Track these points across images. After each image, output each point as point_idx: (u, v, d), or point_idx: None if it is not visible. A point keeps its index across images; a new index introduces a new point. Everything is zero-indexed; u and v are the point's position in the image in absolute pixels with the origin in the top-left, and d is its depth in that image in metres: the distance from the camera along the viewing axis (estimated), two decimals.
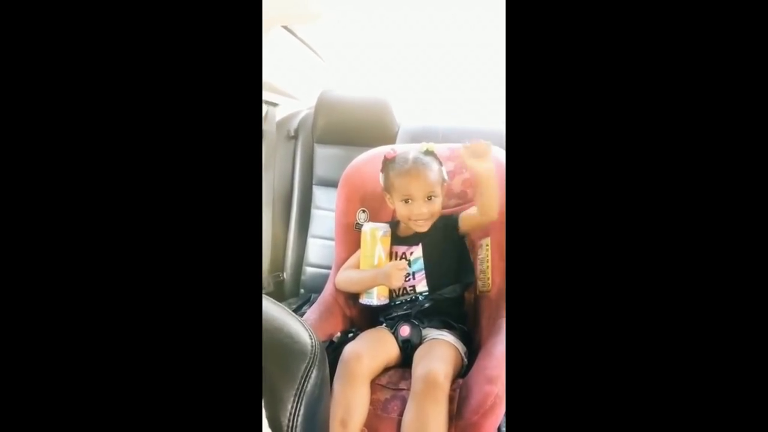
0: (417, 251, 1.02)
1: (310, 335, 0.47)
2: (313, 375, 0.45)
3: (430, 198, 0.98)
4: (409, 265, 1.01)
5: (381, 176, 1.05)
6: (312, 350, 0.46)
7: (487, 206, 0.94)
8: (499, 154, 1.08)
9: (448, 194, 1.11)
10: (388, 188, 1.03)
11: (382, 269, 0.98)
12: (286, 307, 0.50)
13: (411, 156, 1.00)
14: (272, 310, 0.48)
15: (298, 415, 0.44)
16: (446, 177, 1.04)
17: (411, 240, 1.04)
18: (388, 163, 1.03)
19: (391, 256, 1.04)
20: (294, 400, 0.44)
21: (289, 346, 0.46)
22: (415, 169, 0.98)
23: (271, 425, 0.43)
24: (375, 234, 1.02)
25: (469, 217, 1.00)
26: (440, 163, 1.03)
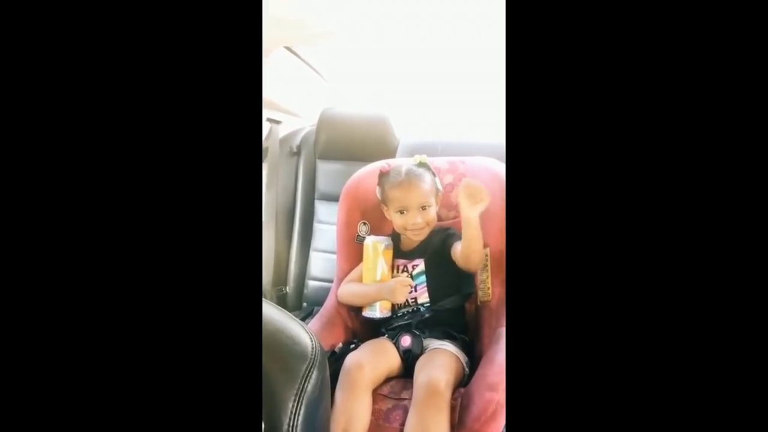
0: (420, 266, 1.03)
1: (310, 337, 0.48)
2: (314, 376, 0.46)
3: (424, 208, 1.01)
4: (412, 278, 1.02)
5: (378, 190, 1.08)
6: (312, 352, 0.47)
7: (467, 256, 0.94)
8: (499, 169, 1.10)
9: (447, 206, 1.12)
10: (384, 201, 1.06)
11: (387, 284, 0.99)
12: (286, 311, 0.52)
13: (404, 168, 1.03)
14: (273, 313, 0.49)
15: (298, 416, 0.44)
16: (440, 187, 1.07)
17: (413, 253, 1.05)
18: (383, 176, 1.06)
19: (393, 269, 1.05)
20: (294, 401, 0.44)
21: (289, 348, 0.47)
22: (408, 180, 1.01)
23: (272, 426, 0.43)
24: (377, 247, 1.03)
25: (458, 255, 0.98)
26: (434, 174, 1.05)
